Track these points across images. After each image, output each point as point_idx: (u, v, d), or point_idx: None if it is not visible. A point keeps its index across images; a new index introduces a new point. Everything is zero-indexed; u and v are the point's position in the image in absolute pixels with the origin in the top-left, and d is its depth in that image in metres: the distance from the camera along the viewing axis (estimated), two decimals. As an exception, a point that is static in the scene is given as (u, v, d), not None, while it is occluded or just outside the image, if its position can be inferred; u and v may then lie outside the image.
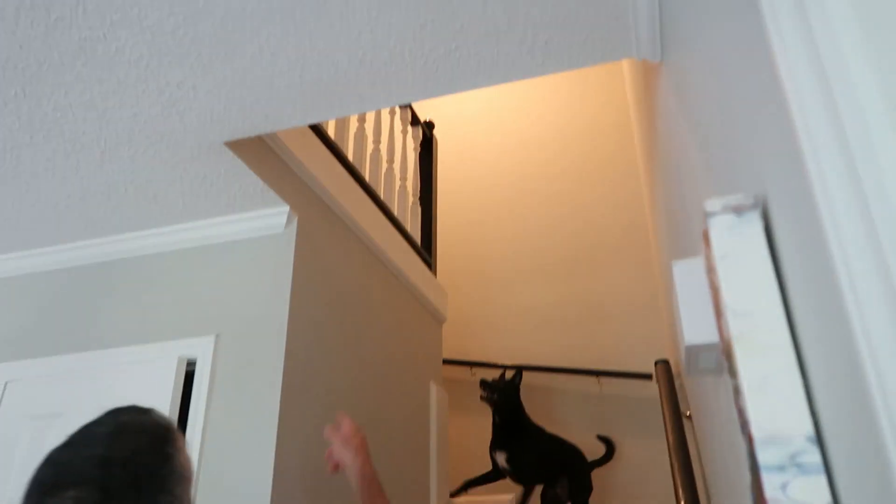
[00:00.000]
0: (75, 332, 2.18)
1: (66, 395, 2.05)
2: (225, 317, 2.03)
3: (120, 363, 2.04)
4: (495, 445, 3.18)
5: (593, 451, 3.40)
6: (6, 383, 2.15)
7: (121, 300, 2.19)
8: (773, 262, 0.59)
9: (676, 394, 2.63)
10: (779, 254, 0.59)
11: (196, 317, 2.06)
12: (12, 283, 2.37)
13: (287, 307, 1.98)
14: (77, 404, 2.02)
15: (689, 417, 2.56)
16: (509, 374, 3.31)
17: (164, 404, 1.92)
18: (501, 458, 3.17)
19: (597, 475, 3.85)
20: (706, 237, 0.63)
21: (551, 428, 3.93)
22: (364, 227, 2.59)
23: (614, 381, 4.18)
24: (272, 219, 2.11)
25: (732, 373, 0.59)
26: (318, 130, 2.36)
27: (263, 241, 2.11)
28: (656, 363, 2.95)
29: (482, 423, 4.34)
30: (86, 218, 2.15)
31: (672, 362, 3.01)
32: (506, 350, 4.40)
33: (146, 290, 2.18)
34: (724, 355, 0.69)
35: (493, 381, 3.23)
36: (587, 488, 3.19)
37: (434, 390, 3.20)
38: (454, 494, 3.30)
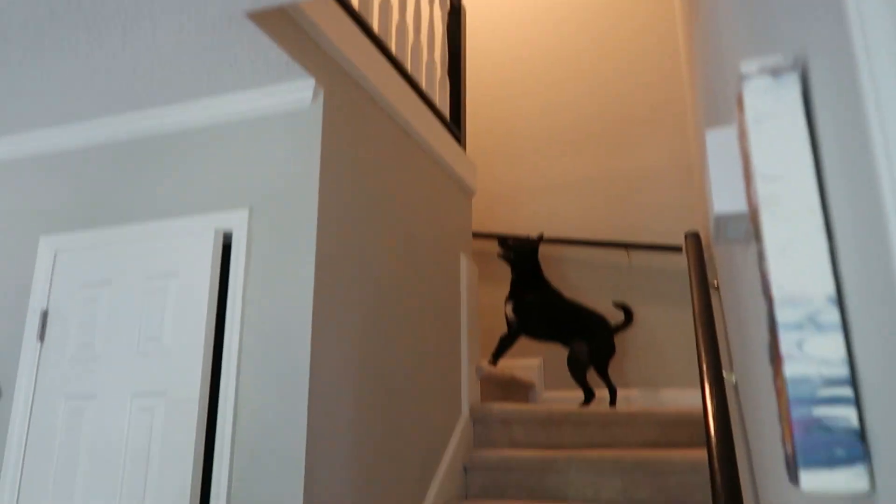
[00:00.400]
0: (118, 205, 2.26)
1: (113, 264, 2.15)
2: (257, 190, 2.08)
3: (162, 234, 2.12)
4: (507, 299, 3.38)
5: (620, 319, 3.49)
6: (56, 253, 2.25)
7: (158, 175, 2.24)
8: (808, 126, 0.58)
9: (705, 264, 2.66)
10: (814, 118, 0.58)
11: (230, 190, 2.11)
12: (56, 160, 2.43)
13: (317, 181, 2.01)
14: (124, 273, 2.13)
15: (717, 288, 2.60)
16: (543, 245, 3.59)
17: (203, 272, 2.01)
18: (508, 309, 3.38)
19: (622, 344, 3.98)
20: (740, 101, 0.62)
21: (580, 298, 4.03)
22: (392, 101, 2.56)
23: (643, 253, 4.22)
24: (299, 93, 2.09)
25: (758, 237, 0.60)
26: (342, 1, 2.28)
27: (291, 116, 2.11)
28: (686, 235, 2.96)
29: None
30: (113, 93, 2.16)
31: (703, 234, 3.01)
32: (535, 223, 4.44)
33: (181, 165, 2.22)
34: (751, 222, 0.69)
35: (513, 239, 3.40)
36: (609, 352, 3.33)
37: (464, 261, 3.27)
38: (493, 361, 3.45)
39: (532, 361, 4.28)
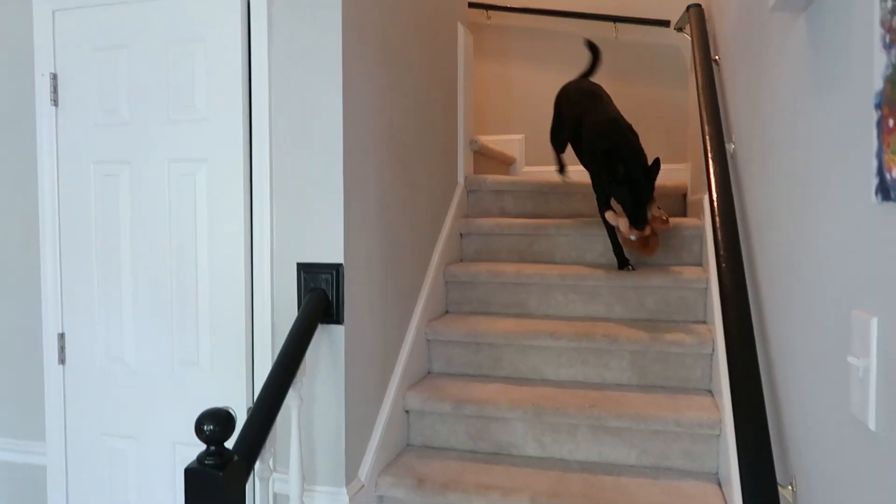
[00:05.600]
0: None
1: (127, 27, 2.05)
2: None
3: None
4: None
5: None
6: (53, 12, 2.12)
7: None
8: None
9: (708, 38, 2.69)
10: None
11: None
12: None
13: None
14: (141, 37, 2.04)
15: (717, 62, 2.66)
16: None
17: (233, 36, 1.94)
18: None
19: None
20: None
21: (562, 74, 4.01)
22: None
23: (630, 28, 4.17)
24: None
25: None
26: None
27: None
28: (689, 7, 2.94)
29: (496, 69, 4.42)
30: None
31: (704, 6, 2.99)
32: (523, -6, 4.27)
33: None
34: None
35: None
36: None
37: (461, 32, 3.20)
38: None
39: (515, 137, 4.38)
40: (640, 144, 2.72)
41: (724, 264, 1.73)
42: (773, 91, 1.65)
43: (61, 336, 2.19)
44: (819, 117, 1.20)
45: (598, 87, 3.06)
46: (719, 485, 2.06)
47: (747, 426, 1.33)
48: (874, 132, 0.86)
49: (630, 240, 2.70)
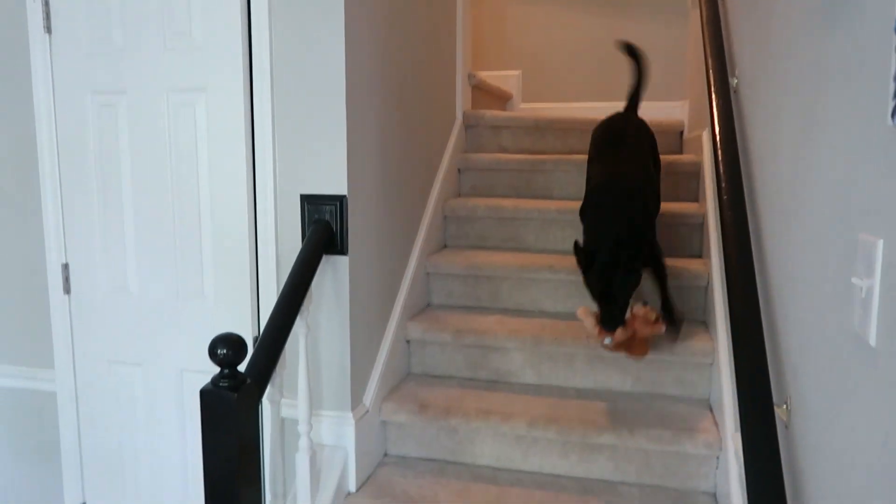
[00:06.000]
0: None
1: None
2: None
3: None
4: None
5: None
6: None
7: None
8: None
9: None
10: None
11: None
12: None
13: None
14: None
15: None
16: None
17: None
18: None
19: (611, 60, 4.02)
20: None
21: (557, 13, 3.93)
22: None
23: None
24: None
25: None
26: None
27: None
28: (694, -62, 2.88)
29: (493, 3, 4.33)
30: None
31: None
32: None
33: None
34: None
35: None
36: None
37: (460, -36, 3.13)
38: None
39: (511, 73, 4.33)
40: (641, 214, 2.05)
41: (725, 196, 1.75)
42: (781, 19, 1.64)
43: (65, 266, 2.20)
44: (829, 44, 1.20)
45: (629, 127, 2.35)
46: (710, 409, 2.14)
47: (745, 348, 1.38)
48: (893, 56, 0.87)
49: (604, 344, 1.96)
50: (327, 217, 1.98)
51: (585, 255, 1.97)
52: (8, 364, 2.35)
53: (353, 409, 2.01)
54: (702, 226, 2.66)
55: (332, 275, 1.98)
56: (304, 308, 1.80)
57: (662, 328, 1.98)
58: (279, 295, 1.75)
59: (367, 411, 2.08)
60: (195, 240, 2.06)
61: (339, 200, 1.96)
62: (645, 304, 2.01)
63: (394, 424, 2.20)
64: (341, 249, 1.97)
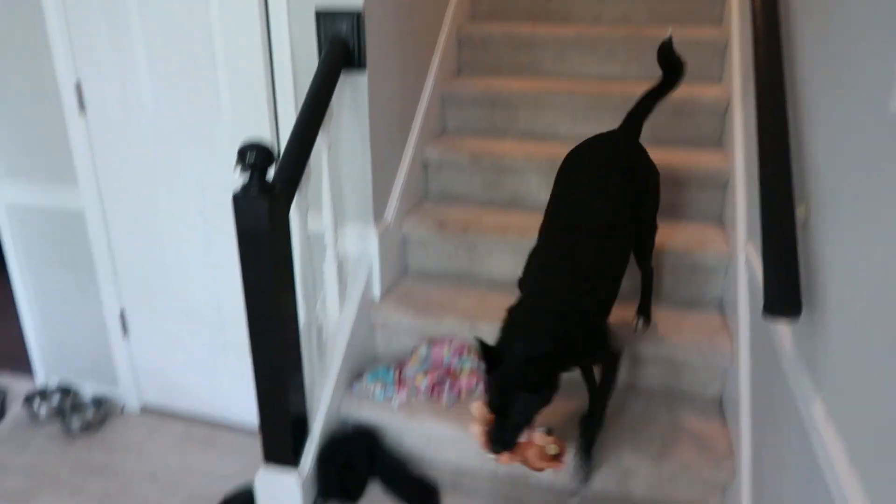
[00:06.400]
0: None
1: None
2: None
3: None
4: None
5: None
6: None
7: None
8: None
9: None
10: None
11: None
12: None
13: None
14: None
15: None
16: None
17: None
18: None
19: None
20: None
21: None
22: None
23: None
24: None
25: None
26: None
27: None
28: None
29: None
30: None
31: None
32: None
33: None
34: None
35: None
36: None
37: None
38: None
39: None
40: (576, 329, 1.56)
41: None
42: None
43: (78, 86, 2.16)
44: None
45: (610, 166, 1.78)
46: (722, 225, 2.21)
47: (771, 159, 1.40)
48: None
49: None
50: (344, 33, 1.92)
51: (488, 355, 1.51)
52: (32, 182, 2.37)
53: (375, 222, 2.07)
54: (724, 49, 2.58)
55: (351, 92, 1.95)
56: (325, 121, 1.79)
57: (561, 467, 1.59)
58: (300, 109, 1.74)
59: (390, 225, 2.14)
60: (207, 58, 2.01)
61: (356, 15, 1.90)
62: (549, 431, 1.60)
63: (414, 241, 2.28)
64: (359, 64, 1.93)
